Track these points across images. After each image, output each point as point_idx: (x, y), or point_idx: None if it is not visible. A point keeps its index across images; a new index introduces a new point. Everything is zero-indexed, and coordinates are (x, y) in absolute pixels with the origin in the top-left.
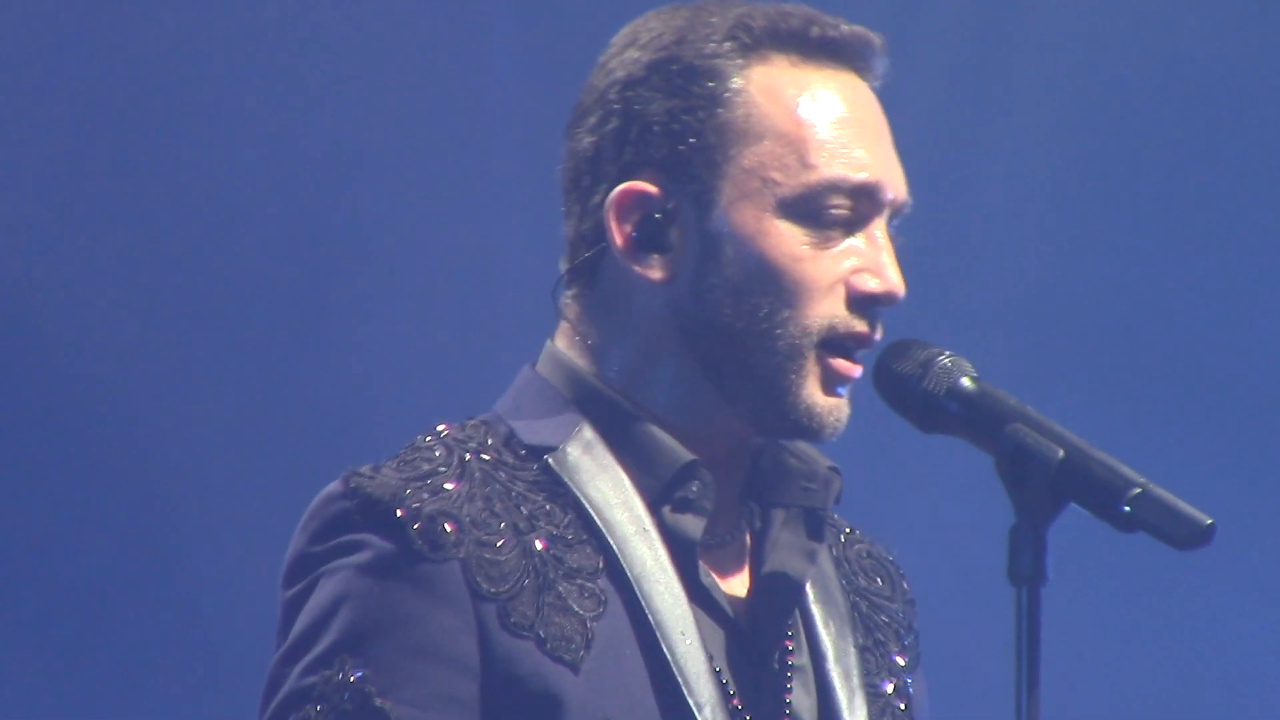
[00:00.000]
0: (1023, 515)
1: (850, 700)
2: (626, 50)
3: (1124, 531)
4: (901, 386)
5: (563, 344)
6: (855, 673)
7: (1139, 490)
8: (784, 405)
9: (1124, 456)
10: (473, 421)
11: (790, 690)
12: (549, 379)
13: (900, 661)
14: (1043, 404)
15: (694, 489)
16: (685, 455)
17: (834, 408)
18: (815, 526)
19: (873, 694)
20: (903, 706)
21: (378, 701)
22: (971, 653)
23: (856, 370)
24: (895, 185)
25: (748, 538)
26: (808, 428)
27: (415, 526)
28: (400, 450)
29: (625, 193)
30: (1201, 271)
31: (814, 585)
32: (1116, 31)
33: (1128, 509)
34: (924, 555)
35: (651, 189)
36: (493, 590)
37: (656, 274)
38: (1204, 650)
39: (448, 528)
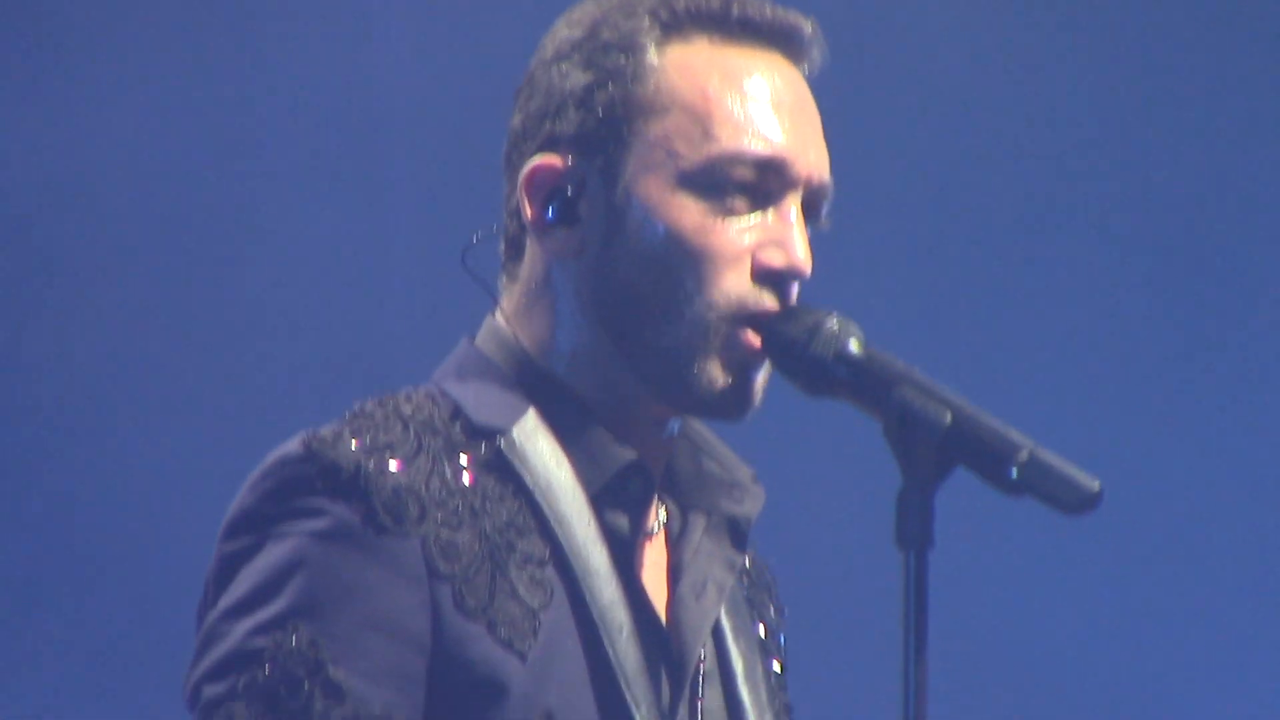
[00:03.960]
0: (910, 480)
1: (760, 714)
2: (559, 29)
3: (1012, 496)
4: (789, 351)
5: (504, 320)
6: (762, 687)
7: (1026, 455)
8: (688, 379)
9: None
10: (418, 393)
11: (703, 696)
12: (491, 356)
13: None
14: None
15: (633, 487)
16: (628, 454)
17: (739, 385)
18: (738, 536)
19: (780, 711)
20: None
21: (330, 670)
22: (860, 618)
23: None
24: (810, 164)
25: (663, 535)
26: (711, 404)
27: (380, 499)
28: (346, 415)
29: (535, 168)
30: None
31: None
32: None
33: (1015, 474)
34: (813, 520)
35: (559, 163)
36: (449, 571)
37: (562, 247)
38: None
39: (410, 503)
